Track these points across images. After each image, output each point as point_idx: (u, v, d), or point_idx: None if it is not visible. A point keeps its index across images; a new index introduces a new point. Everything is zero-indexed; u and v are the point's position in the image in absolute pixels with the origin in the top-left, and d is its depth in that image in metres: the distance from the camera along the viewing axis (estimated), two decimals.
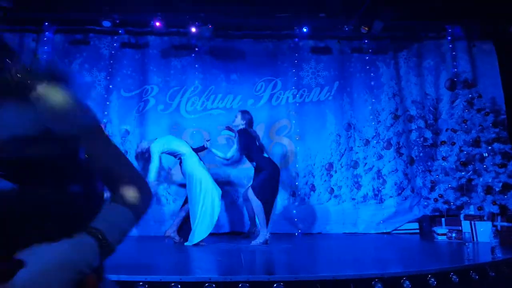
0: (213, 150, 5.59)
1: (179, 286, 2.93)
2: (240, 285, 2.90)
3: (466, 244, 3.77)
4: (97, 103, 6.44)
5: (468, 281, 3.25)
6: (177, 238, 5.14)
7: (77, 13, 6.20)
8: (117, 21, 6.26)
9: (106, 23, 6.25)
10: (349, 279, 2.92)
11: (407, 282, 2.99)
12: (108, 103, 6.48)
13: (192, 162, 5.10)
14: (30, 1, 5.93)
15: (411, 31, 6.83)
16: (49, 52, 6.39)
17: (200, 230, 4.93)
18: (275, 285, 2.89)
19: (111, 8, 6.11)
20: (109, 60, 6.57)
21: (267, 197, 5.01)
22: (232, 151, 5.53)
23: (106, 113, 6.44)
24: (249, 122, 5.34)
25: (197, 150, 5.43)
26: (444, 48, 6.84)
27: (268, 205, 5.00)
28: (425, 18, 6.51)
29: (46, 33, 6.40)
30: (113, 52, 6.60)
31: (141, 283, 2.94)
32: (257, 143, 5.26)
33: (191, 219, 5.03)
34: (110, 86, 6.52)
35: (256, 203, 4.97)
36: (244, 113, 5.39)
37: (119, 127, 6.47)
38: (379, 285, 2.92)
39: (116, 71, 6.55)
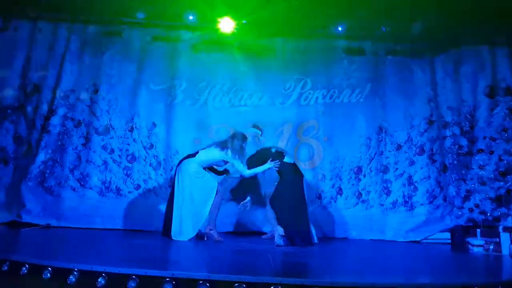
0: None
1: (208, 284, 2.82)
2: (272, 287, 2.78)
3: None
4: (126, 95, 6.44)
5: None
6: (215, 235, 5.13)
7: (111, 3, 6.16)
8: (151, 14, 6.24)
9: (140, 15, 6.24)
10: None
11: None
12: (136, 95, 6.44)
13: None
14: None
15: (449, 35, 6.57)
16: (81, 42, 6.40)
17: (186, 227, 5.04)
18: None
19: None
20: (140, 53, 6.53)
21: (283, 205, 5.08)
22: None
23: (134, 105, 6.41)
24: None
25: (218, 173, 5.53)
26: (484, 54, 6.56)
27: (283, 213, 5.03)
28: (465, 23, 6.25)
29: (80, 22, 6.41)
30: (144, 44, 6.56)
31: (167, 279, 2.88)
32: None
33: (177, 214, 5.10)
34: (140, 79, 6.48)
35: (271, 213, 5.14)
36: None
37: (147, 120, 6.42)
38: None
39: (146, 64, 6.51)
